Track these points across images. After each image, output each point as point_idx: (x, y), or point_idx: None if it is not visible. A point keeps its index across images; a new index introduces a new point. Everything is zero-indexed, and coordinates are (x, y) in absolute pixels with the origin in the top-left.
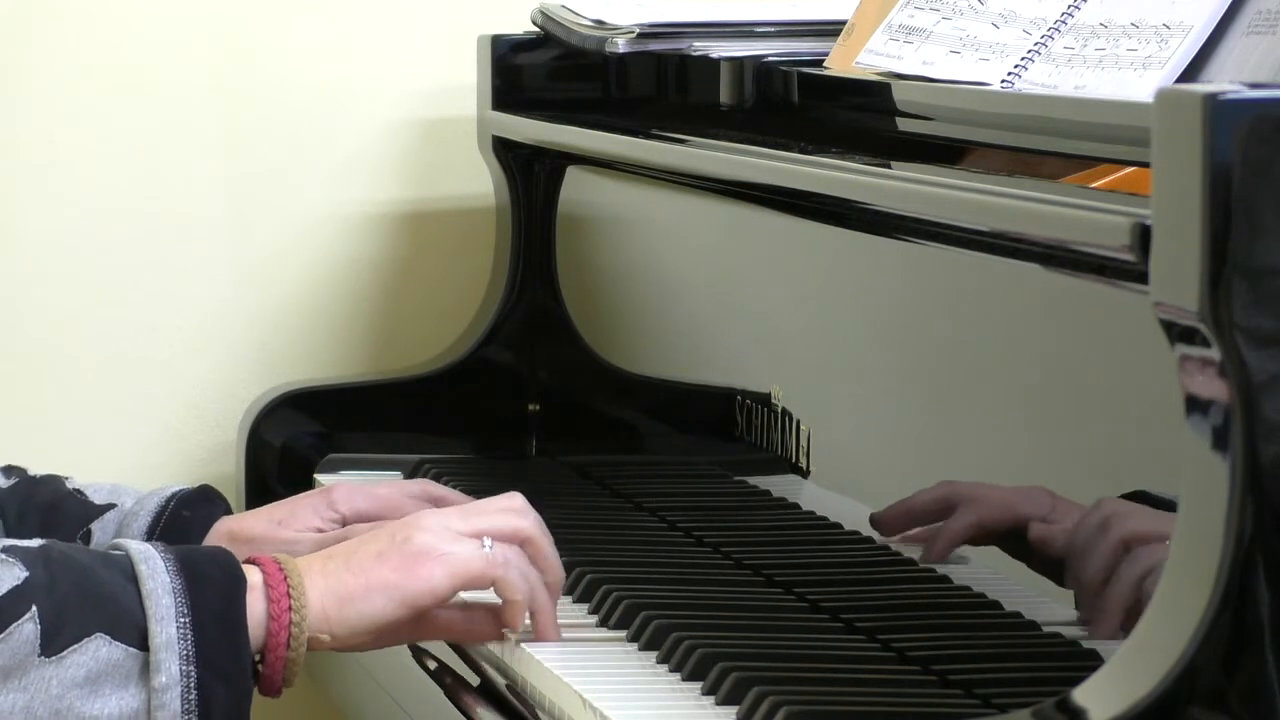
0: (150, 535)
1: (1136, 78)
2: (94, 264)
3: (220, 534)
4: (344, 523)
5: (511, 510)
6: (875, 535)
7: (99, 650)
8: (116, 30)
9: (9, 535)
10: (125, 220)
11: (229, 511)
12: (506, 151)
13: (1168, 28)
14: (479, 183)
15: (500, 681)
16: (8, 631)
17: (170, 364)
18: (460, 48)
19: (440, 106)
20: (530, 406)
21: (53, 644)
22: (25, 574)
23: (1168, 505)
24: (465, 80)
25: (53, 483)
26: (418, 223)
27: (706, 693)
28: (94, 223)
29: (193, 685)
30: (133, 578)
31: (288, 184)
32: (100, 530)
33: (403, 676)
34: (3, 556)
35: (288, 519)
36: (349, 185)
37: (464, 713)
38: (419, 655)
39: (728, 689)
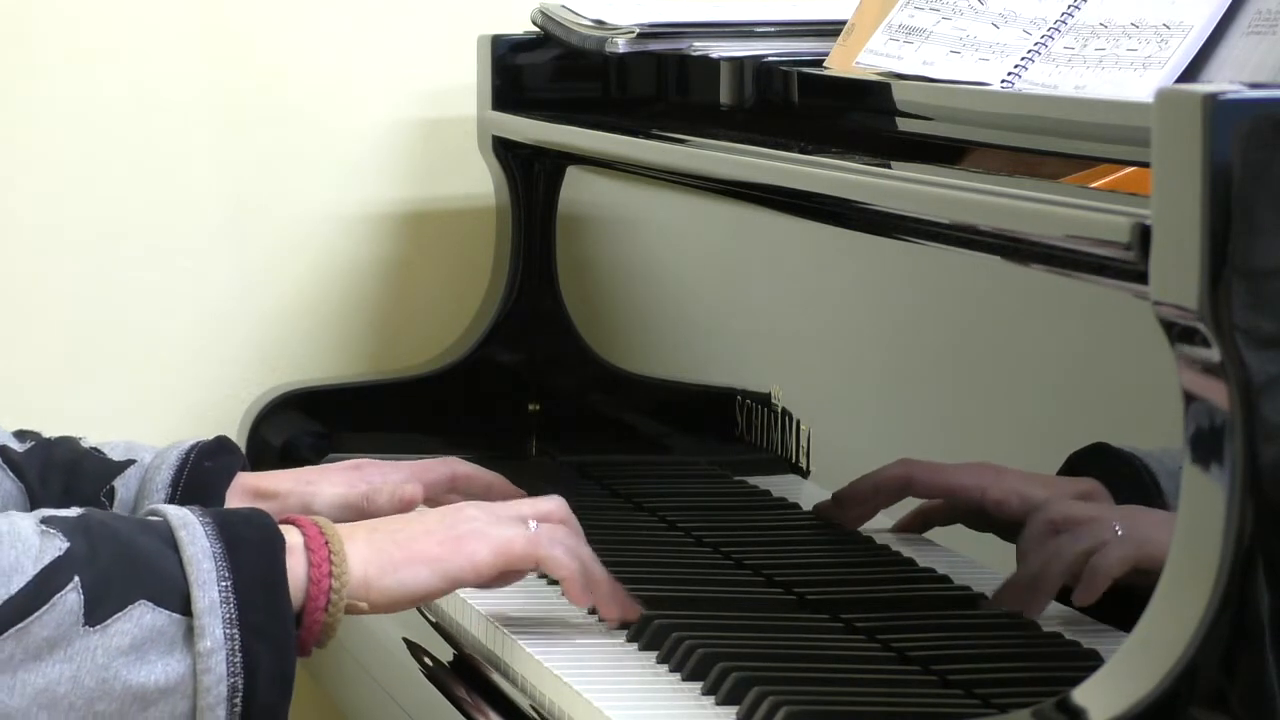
0: (174, 488)
1: (1136, 78)
2: (94, 265)
3: (243, 488)
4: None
5: (552, 501)
6: (875, 535)
7: (143, 617)
8: (117, 31)
9: (32, 497)
10: (125, 221)
11: (246, 463)
12: (507, 151)
13: (1168, 28)
14: (479, 183)
15: (501, 681)
16: (51, 603)
17: (171, 364)
18: (460, 48)
19: (440, 106)
20: (530, 406)
21: (96, 613)
22: (66, 544)
23: (1167, 505)
24: (465, 80)
25: (69, 442)
26: (418, 223)
27: (707, 692)
28: (93, 224)
29: (237, 648)
30: (172, 544)
31: (289, 184)
32: (123, 487)
33: (401, 675)
34: (44, 528)
35: (316, 479)
36: (349, 185)
37: (464, 713)
38: (417, 654)
39: (728, 689)
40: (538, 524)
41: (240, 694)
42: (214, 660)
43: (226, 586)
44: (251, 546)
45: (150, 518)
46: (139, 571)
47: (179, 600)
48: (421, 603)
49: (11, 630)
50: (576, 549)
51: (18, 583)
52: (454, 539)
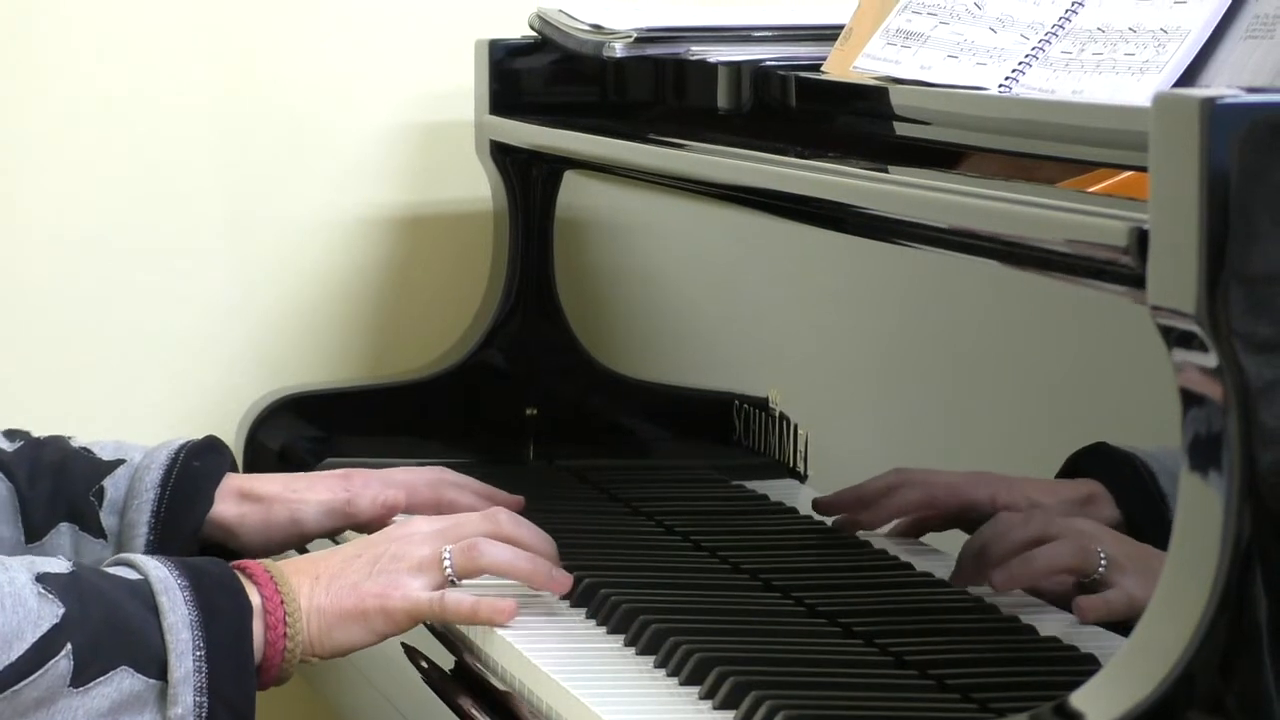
0: (163, 488)
1: (1134, 82)
2: (92, 267)
3: (232, 489)
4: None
5: (481, 517)
6: (873, 539)
7: (122, 682)
8: (116, 31)
9: (20, 498)
10: (124, 224)
11: (235, 463)
12: (504, 156)
13: (1165, 32)
14: (477, 187)
15: (498, 686)
16: (44, 669)
17: (169, 367)
18: (458, 52)
19: (438, 111)
20: (528, 411)
21: (81, 676)
22: (62, 610)
23: (1166, 507)
24: (463, 85)
25: (58, 442)
26: (416, 227)
27: (704, 697)
28: (92, 226)
29: (203, 715)
30: (154, 608)
31: (286, 188)
32: (112, 487)
33: (398, 679)
34: (41, 590)
35: (303, 489)
36: (347, 190)
37: (460, 715)
38: (414, 658)
39: (725, 693)
40: (450, 554)
41: None
42: None
43: (200, 656)
44: (225, 616)
45: (131, 575)
46: (124, 637)
47: (156, 667)
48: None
49: (7, 693)
50: (495, 555)
51: (18, 650)
52: (377, 595)
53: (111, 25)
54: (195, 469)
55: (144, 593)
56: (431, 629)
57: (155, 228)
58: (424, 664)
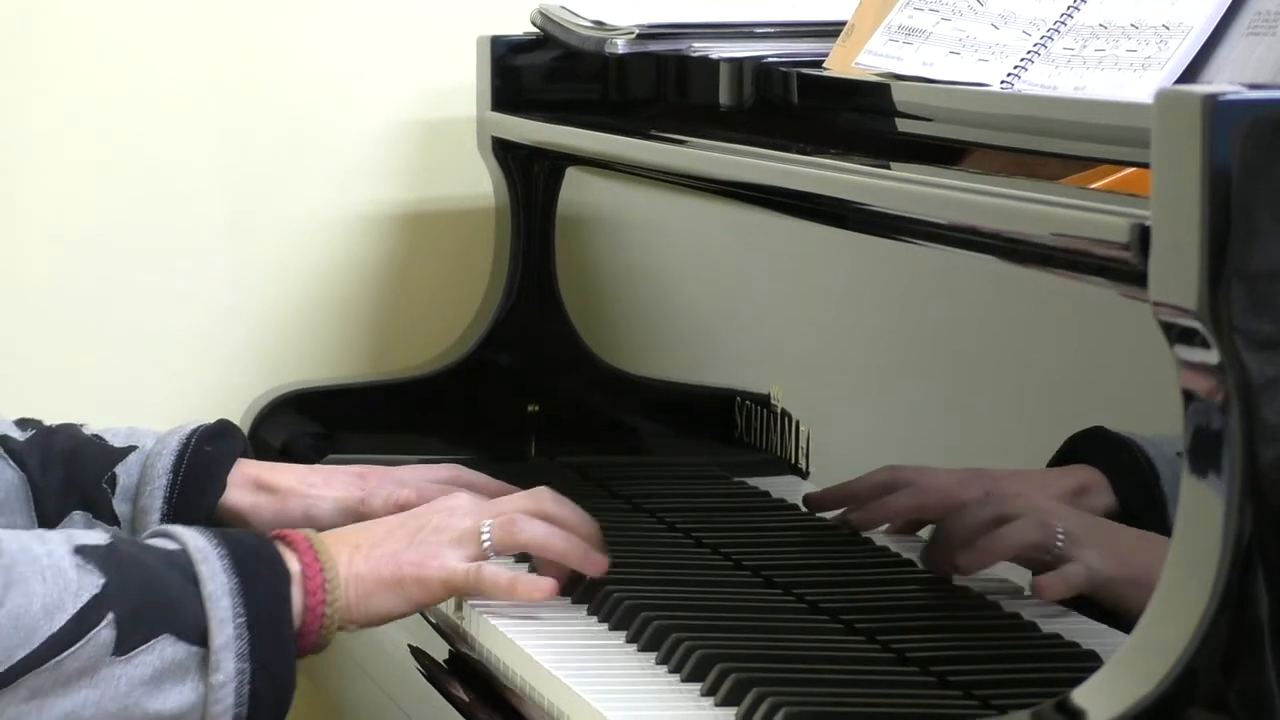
0: (175, 474)
1: (1136, 79)
2: (93, 265)
3: (246, 477)
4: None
5: (524, 495)
6: (874, 536)
7: (164, 650)
8: (116, 31)
9: (33, 486)
10: (124, 222)
11: (248, 447)
12: (506, 152)
13: (1167, 28)
14: (478, 184)
15: (499, 682)
16: (86, 638)
17: (170, 365)
18: (460, 49)
19: (440, 107)
20: (530, 407)
21: (124, 645)
22: (102, 581)
23: (1166, 506)
24: (465, 81)
25: (70, 430)
26: (417, 224)
27: (706, 694)
28: (93, 225)
29: (245, 681)
30: (192, 577)
31: (287, 185)
32: (124, 473)
33: (399, 675)
34: (80, 561)
35: (319, 484)
36: (349, 186)
37: (463, 713)
38: (416, 654)
39: (727, 690)
40: (490, 527)
41: None
42: (224, 692)
43: (240, 623)
44: (264, 584)
45: (169, 545)
46: (165, 606)
47: (198, 634)
48: (402, 618)
49: (49, 663)
50: (533, 531)
51: (59, 621)
52: (415, 565)
53: (111, 25)
54: (207, 454)
55: (182, 562)
56: (432, 624)
57: (155, 228)
58: (424, 659)
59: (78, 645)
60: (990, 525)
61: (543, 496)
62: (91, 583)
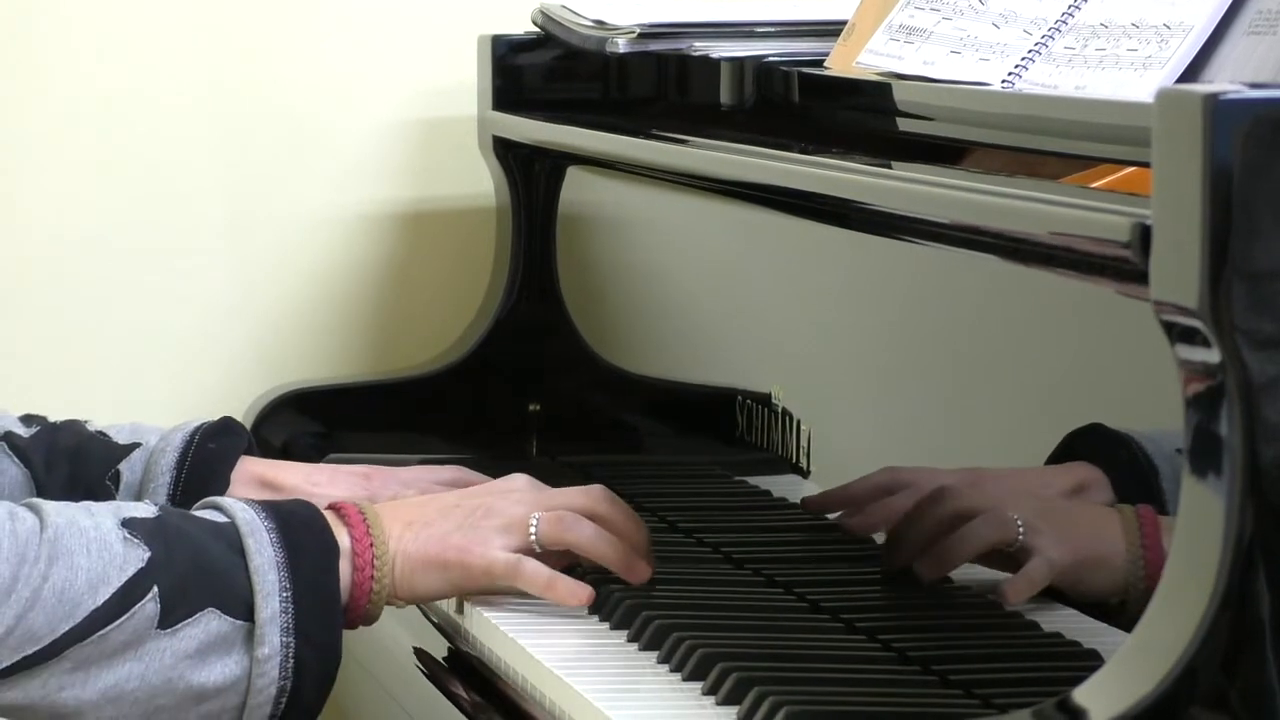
0: (179, 470)
1: (1137, 78)
2: (93, 265)
3: (250, 474)
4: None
5: (580, 491)
6: (875, 535)
7: (209, 624)
8: (116, 31)
9: (37, 482)
10: (125, 221)
11: (252, 444)
12: (507, 151)
13: (1168, 28)
14: (479, 183)
15: (501, 681)
16: (131, 612)
17: (170, 364)
18: (460, 48)
19: (440, 107)
20: (531, 407)
21: (169, 618)
22: (148, 554)
23: (1167, 505)
24: (465, 80)
25: (74, 426)
26: (418, 223)
27: (707, 693)
28: (93, 224)
29: (290, 654)
30: (239, 549)
31: (288, 184)
32: (128, 470)
33: (401, 676)
34: (127, 535)
35: (324, 483)
36: (349, 186)
37: (464, 712)
38: (419, 655)
39: (728, 689)
40: (538, 520)
41: (286, 695)
42: (269, 665)
43: (286, 597)
44: (311, 556)
45: (218, 517)
46: (210, 580)
47: (243, 608)
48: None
49: (94, 637)
50: (579, 532)
51: (104, 594)
52: (463, 546)
53: (111, 25)
54: (211, 451)
55: (230, 535)
56: (433, 623)
57: (155, 228)
58: (426, 658)
59: (122, 619)
60: (947, 528)
61: (598, 496)
62: (137, 556)
